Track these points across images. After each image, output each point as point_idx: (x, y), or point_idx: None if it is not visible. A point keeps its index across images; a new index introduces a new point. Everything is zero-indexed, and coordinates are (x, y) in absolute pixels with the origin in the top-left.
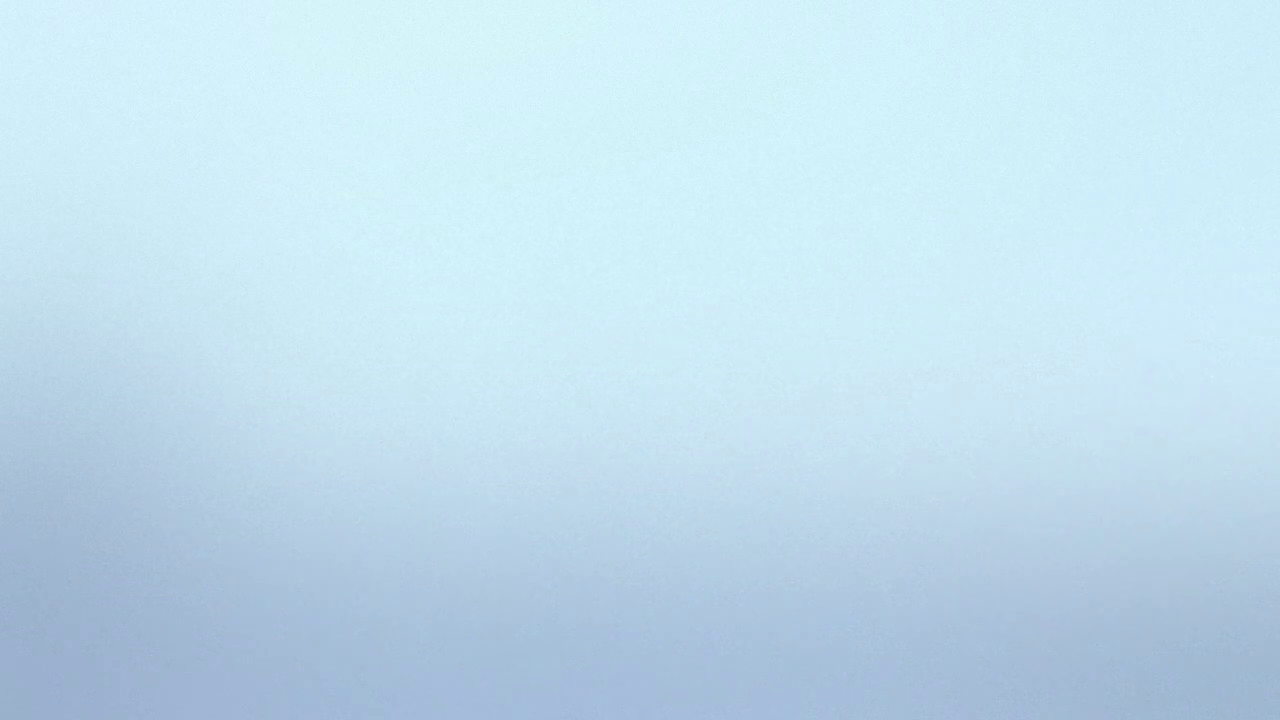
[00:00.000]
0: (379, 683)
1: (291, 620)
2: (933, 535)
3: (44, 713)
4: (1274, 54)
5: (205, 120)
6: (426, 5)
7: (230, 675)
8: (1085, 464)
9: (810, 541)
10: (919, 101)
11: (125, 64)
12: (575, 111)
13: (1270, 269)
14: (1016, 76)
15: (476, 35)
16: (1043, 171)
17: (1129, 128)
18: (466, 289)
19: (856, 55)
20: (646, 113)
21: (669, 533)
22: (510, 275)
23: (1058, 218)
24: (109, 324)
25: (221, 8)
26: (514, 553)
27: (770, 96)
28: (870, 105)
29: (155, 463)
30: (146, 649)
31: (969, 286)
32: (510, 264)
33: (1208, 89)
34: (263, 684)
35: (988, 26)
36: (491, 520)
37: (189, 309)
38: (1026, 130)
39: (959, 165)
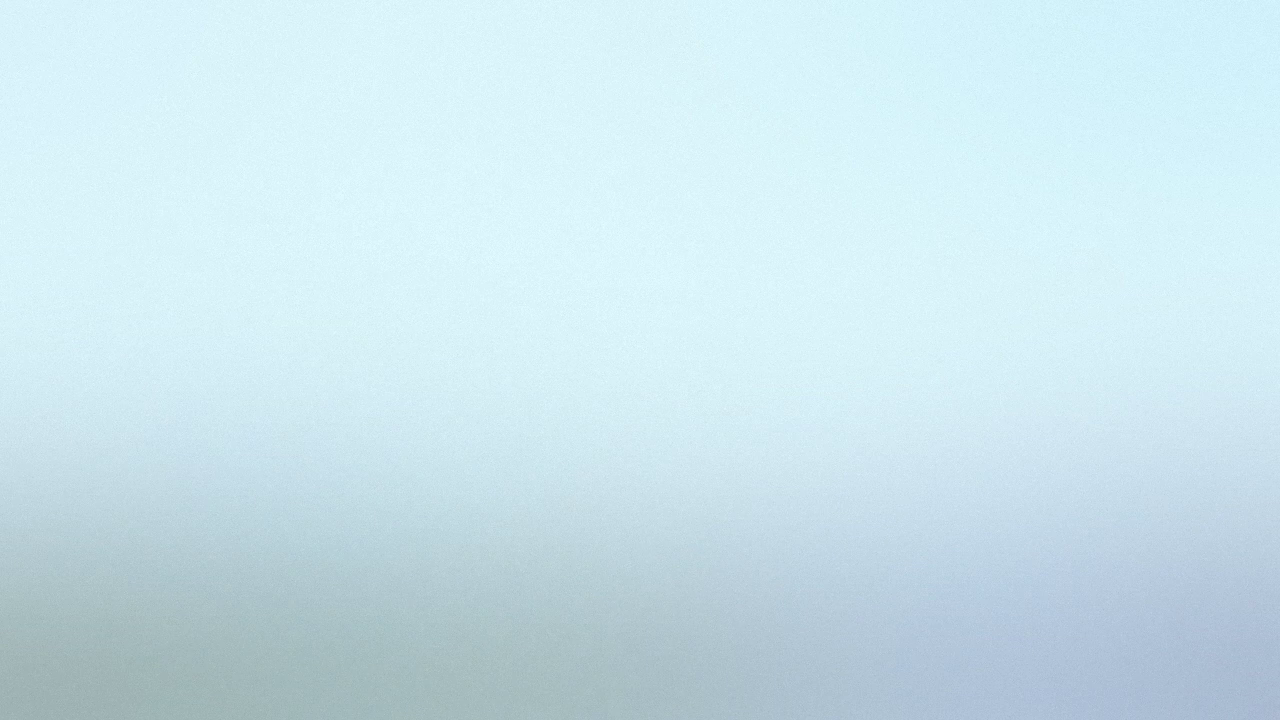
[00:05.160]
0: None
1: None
2: (934, 534)
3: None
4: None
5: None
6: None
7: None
8: (1084, 463)
9: (810, 541)
10: (913, 100)
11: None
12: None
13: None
14: (1009, 75)
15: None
16: (1038, 172)
17: (1125, 127)
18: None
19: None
20: (640, 116)
21: (664, 534)
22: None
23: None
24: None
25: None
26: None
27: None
28: (865, 104)
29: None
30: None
31: (967, 285)
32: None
33: (1207, 89)
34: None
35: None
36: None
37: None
38: (1021, 129)
39: (954, 164)
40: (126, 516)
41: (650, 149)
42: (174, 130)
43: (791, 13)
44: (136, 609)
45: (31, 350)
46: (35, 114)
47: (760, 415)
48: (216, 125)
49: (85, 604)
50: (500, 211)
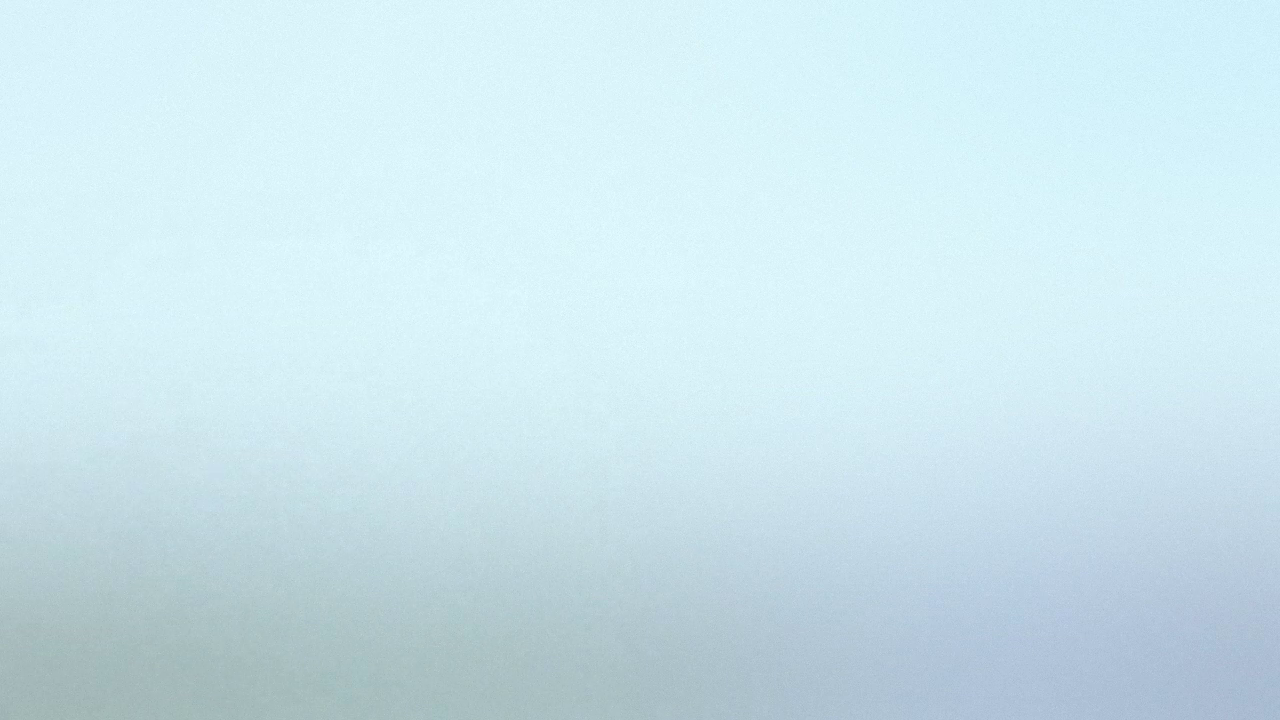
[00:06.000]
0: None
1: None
2: (934, 535)
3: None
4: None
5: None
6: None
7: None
8: (1083, 463)
9: (808, 541)
10: (913, 99)
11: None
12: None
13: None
14: (1009, 75)
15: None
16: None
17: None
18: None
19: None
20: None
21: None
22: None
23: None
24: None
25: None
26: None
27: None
28: (864, 102)
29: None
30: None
31: (965, 284)
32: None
33: (1207, 89)
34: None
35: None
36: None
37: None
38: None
39: (954, 163)
40: (126, 517)
41: (650, 149)
42: (174, 130)
43: (791, 13)
44: (136, 609)
45: (31, 349)
46: (35, 114)
47: (760, 415)
48: (216, 125)
49: (85, 604)
50: (499, 211)
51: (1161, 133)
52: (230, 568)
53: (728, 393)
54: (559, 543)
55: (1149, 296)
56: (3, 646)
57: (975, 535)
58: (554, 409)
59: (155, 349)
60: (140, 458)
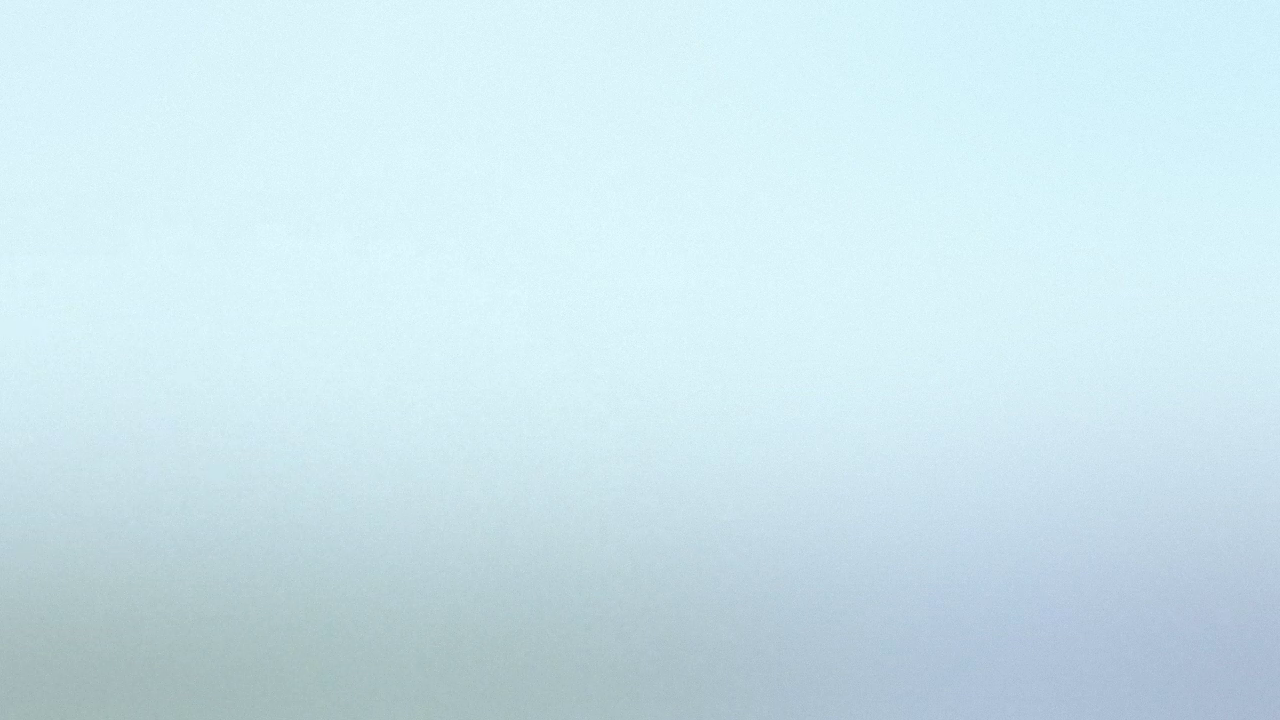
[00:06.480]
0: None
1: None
2: (933, 536)
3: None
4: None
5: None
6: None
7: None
8: (1084, 462)
9: (808, 541)
10: (913, 99)
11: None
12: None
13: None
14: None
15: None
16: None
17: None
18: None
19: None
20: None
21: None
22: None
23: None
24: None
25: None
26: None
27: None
28: (864, 102)
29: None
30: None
31: (965, 284)
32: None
33: (1207, 89)
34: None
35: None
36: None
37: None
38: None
39: (954, 163)
40: (126, 516)
41: (650, 149)
42: (174, 129)
43: (791, 13)
44: (135, 608)
45: (31, 350)
46: (35, 114)
47: (760, 415)
48: (217, 125)
49: (85, 603)
50: (499, 211)
51: (1161, 133)
52: (228, 567)
53: (728, 393)
54: (559, 543)
55: (1149, 296)
56: (3, 646)
57: (975, 535)
58: (554, 409)
59: (155, 348)
60: (140, 457)
